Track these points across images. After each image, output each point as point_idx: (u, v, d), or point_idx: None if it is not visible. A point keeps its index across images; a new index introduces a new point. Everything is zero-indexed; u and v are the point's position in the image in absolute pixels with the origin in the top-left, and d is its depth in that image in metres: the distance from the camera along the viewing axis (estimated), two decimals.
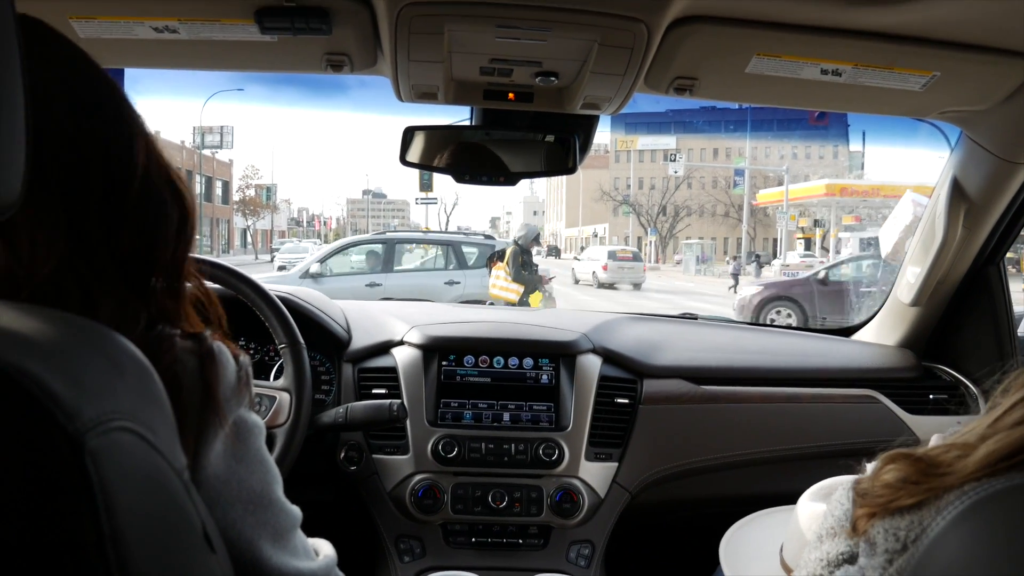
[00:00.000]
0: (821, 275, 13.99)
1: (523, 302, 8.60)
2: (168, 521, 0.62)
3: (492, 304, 7.75)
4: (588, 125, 1.79)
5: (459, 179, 1.82)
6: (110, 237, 0.76)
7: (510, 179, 1.82)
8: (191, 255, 0.85)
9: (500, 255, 9.28)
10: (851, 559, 0.90)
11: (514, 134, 1.82)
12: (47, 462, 0.53)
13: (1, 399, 0.53)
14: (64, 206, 0.72)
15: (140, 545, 0.56)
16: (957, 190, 1.96)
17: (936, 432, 1.07)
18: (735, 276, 25.87)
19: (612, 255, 28.38)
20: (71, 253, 0.73)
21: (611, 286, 26.09)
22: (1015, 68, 1.47)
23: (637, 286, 26.64)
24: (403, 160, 1.79)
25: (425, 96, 1.63)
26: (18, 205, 0.62)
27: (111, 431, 0.56)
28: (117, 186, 0.76)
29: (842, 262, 14.45)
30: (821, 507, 1.10)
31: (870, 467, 0.95)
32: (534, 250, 9.37)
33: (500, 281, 8.90)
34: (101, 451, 0.54)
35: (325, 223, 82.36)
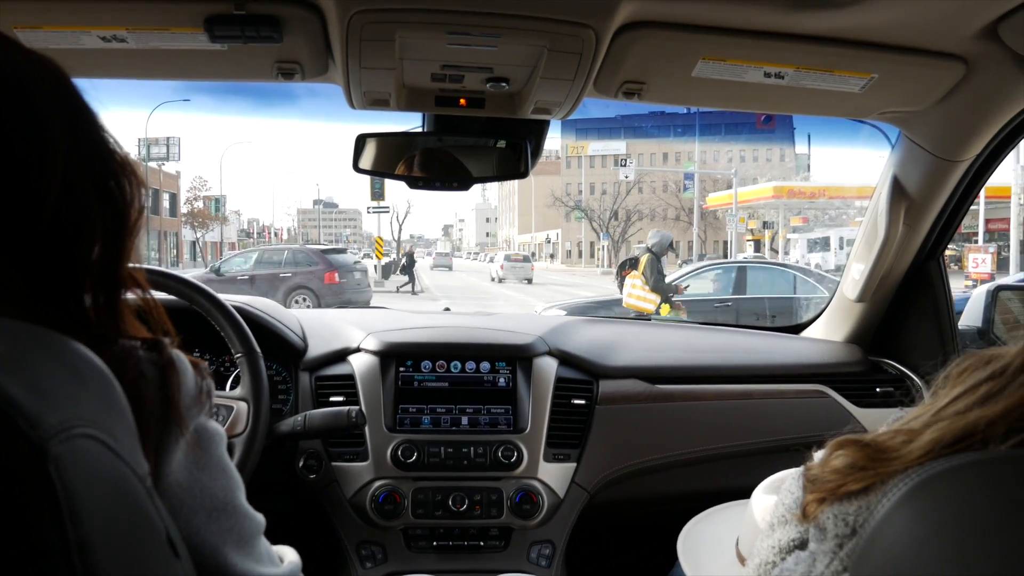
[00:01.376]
0: None
1: (655, 313, 8.28)
2: (133, 527, 0.62)
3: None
4: (539, 130, 1.81)
5: (412, 185, 1.83)
6: (16, 251, 0.70)
7: (463, 184, 1.83)
8: (137, 265, 0.83)
9: (633, 263, 8.90)
10: (802, 545, 0.92)
11: (466, 140, 1.83)
12: (10, 470, 0.52)
13: None
14: None
15: (106, 552, 0.56)
16: (897, 188, 2.02)
17: (883, 425, 1.10)
18: None
19: (507, 257, 36.74)
20: None
21: (502, 280, 32.73)
22: (949, 70, 1.52)
23: (528, 280, 32.47)
24: (356, 167, 1.79)
25: (377, 103, 1.64)
26: None
27: (74, 438, 0.56)
28: (26, 199, 0.69)
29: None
30: (774, 499, 1.12)
31: (818, 455, 0.97)
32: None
33: (636, 291, 8.57)
34: (64, 458, 0.54)
35: (276, 234, 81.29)
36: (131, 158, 0.82)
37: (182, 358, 0.81)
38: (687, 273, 12.06)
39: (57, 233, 0.72)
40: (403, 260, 26.81)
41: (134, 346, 0.77)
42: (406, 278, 25.30)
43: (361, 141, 1.77)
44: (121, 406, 0.65)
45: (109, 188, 0.78)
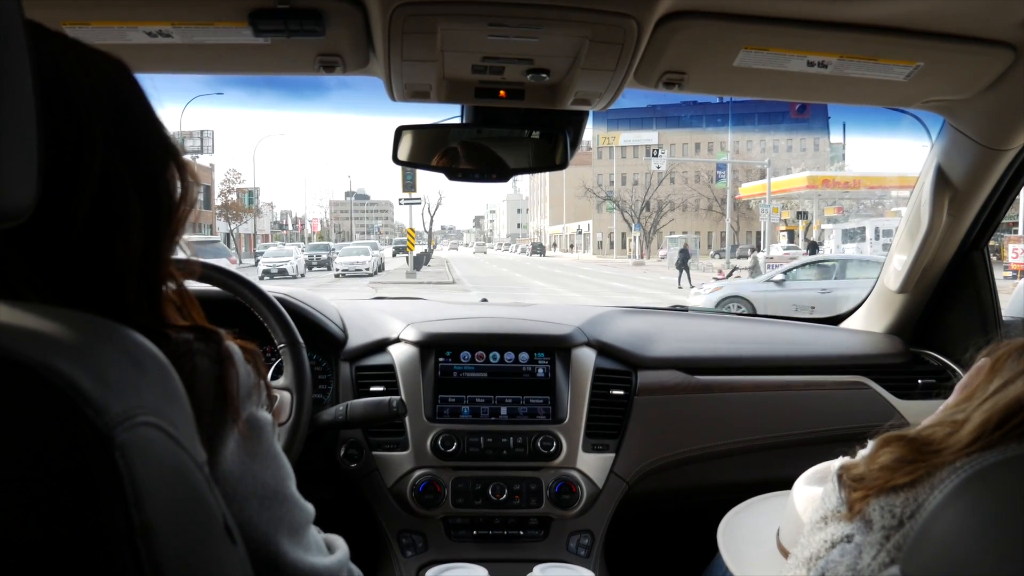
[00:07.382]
0: None
1: None
2: (192, 513, 0.63)
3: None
4: (578, 121, 1.81)
5: (452, 176, 1.83)
6: (50, 245, 0.72)
7: (502, 176, 1.83)
8: (191, 258, 0.85)
9: None
10: (848, 539, 0.92)
11: (505, 131, 1.83)
12: (78, 456, 0.53)
13: (31, 395, 0.54)
14: None
15: (167, 537, 0.57)
16: (941, 178, 1.99)
17: (926, 418, 1.09)
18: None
19: (476, 242, 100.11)
20: None
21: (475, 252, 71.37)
22: (996, 57, 1.50)
23: (484, 252, 65.50)
24: (395, 159, 1.80)
25: (417, 95, 1.64)
26: (32, 210, 0.63)
27: (137, 426, 0.57)
28: (62, 194, 0.71)
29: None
30: (816, 490, 1.12)
31: (861, 454, 0.96)
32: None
33: None
34: (129, 445, 0.55)
35: (309, 225, 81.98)
36: (182, 154, 0.84)
37: (237, 351, 0.83)
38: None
39: (95, 226, 0.74)
40: (679, 257, 27.50)
41: (188, 339, 0.78)
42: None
43: (400, 133, 1.77)
44: (179, 395, 0.67)
45: (152, 182, 0.79)
